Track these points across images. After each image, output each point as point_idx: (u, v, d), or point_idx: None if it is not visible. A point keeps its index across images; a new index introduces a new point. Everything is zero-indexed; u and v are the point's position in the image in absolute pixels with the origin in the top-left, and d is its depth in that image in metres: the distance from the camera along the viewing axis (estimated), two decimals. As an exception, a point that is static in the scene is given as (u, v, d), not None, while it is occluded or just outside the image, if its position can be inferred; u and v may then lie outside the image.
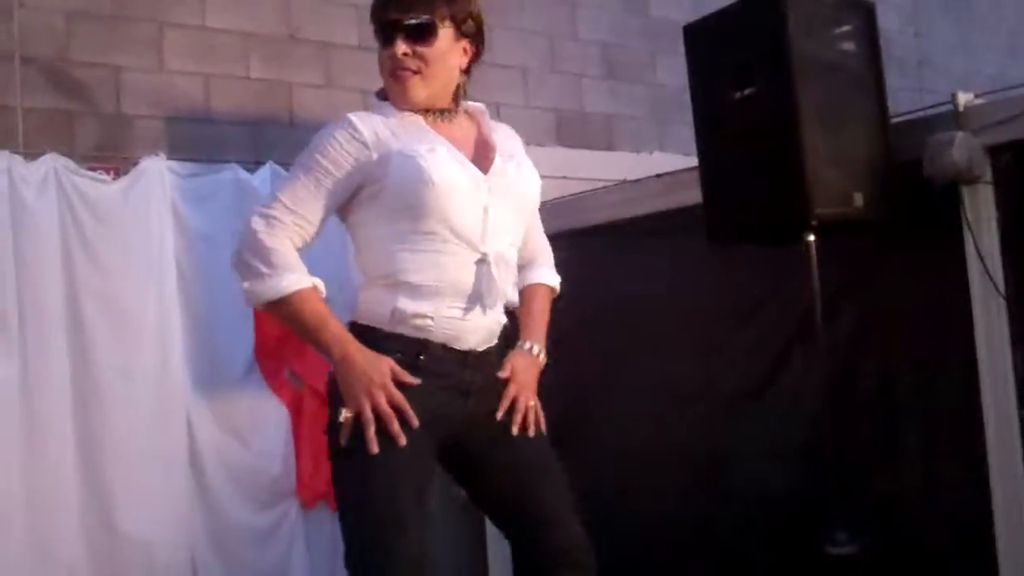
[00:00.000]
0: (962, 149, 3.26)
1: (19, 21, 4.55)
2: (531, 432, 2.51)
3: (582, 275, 3.29)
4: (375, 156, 2.31)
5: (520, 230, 2.54)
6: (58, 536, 4.34)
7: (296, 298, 2.29)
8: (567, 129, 6.20)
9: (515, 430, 2.47)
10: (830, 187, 3.27)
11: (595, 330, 4.37)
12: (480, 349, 2.44)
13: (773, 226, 3.45)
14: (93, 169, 4.60)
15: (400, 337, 2.33)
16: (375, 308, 2.36)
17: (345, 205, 2.39)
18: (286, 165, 5.02)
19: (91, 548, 4.42)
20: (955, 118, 3.32)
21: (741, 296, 3.96)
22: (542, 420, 2.55)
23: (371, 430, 2.25)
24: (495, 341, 2.50)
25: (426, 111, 2.44)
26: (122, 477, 4.50)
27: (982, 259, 3.30)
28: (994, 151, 3.29)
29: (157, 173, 4.75)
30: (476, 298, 2.35)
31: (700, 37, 3.52)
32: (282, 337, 4.91)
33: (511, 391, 2.49)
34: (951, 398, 3.41)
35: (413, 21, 2.38)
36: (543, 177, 2.63)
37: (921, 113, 3.47)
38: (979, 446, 3.29)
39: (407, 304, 2.31)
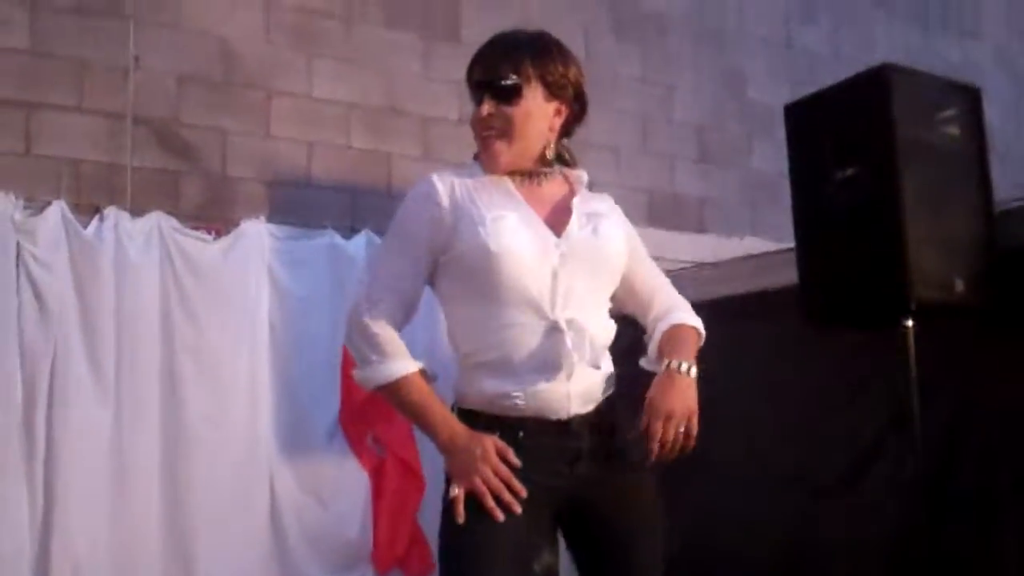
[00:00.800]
0: (1069, 237, 3.19)
1: (134, 82, 4.73)
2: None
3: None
4: (449, 220, 2.27)
5: (601, 295, 2.41)
6: (139, 581, 4.40)
7: (402, 383, 2.26)
8: (658, 210, 6.22)
9: (651, 458, 2.29)
10: (930, 271, 3.21)
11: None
12: (582, 412, 2.31)
13: (870, 309, 3.40)
14: (196, 228, 4.74)
15: (496, 418, 2.27)
16: (467, 390, 2.32)
17: (432, 273, 2.33)
18: (382, 233, 5.11)
19: (171, 600, 4.47)
20: (1062, 204, 3.26)
21: (835, 381, 3.89)
22: (691, 440, 2.31)
23: (488, 500, 2.19)
24: (600, 396, 2.36)
25: (511, 173, 2.39)
26: (204, 528, 4.56)
27: (1087, 350, 3.21)
28: (1103, 240, 3.22)
29: (256, 235, 4.87)
30: (555, 367, 2.25)
31: (802, 116, 3.52)
32: (367, 403, 4.94)
33: (642, 423, 2.30)
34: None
35: (498, 82, 2.34)
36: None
37: (1026, 200, 3.40)
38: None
39: (491, 384, 2.26)
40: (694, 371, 2.35)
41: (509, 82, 2.34)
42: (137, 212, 4.59)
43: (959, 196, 3.33)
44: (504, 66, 2.36)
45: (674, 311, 2.52)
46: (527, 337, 2.25)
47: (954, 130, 3.36)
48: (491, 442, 2.22)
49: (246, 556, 4.68)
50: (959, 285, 3.25)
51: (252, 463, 4.74)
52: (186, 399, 4.60)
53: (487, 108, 2.35)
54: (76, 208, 4.48)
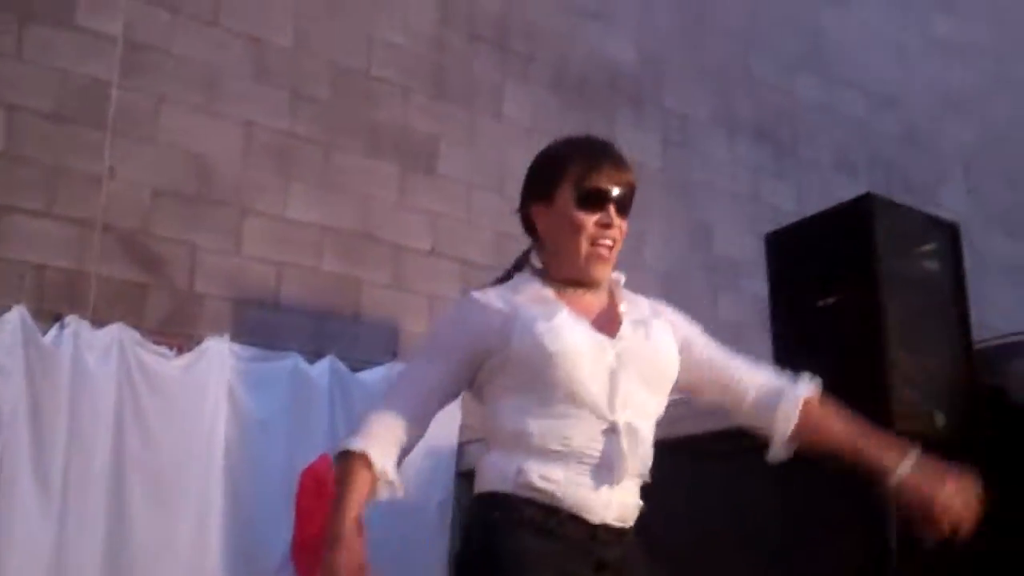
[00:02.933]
0: (1050, 377, 3.18)
1: (107, 191, 4.69)
2: None
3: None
4: (497, 323, 2.20)
5: (654, 406, 2.28)
6: None
7: (349, 458, 2.13)
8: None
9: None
10: (911, 405, 3.18)
11: (657, 545, 4.18)
12: (615, 525, 2.20)
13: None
14: (158, 343, 4.63)
15: (527, 500, 2.15)
16: (500, 469, 2.18)
17: (474, 376, 2.26)
18: (347, 359, 5.05)
19: None
20: (1042, 345, 3.25)
21: (814, 520, 3.79)
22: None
23: None
24: (630, 523, 2.24)
25: (567, 282, 2.28)
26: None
27: (1069, 491, 3.16)
28: (1084, 381, 3.21)
29: (219, 354, 4.77)
30: (606, 469, 2.15)
31: (783, 244, 3.53)
32: (322, 534, 4.76)
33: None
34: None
35: (630, 195, 2.25)
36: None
37: (1006, 338, 3.40)
38: None
39: (533, 465, 2.14)
40: (918, 455, 2.29)
41: (632, 192, 2.26)
42: (99, 322, 4.49)
43: (939, 330, 3.33)
44: (631, 178, 2.27)
45: (777, 382, 2.36)
46: (583, 434, 2.16)
47: (934, 264, 3.38)
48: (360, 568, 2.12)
49: None
50: (940, 419, 3.21)
51: (199, 592, 4.52)
52: (133, 520, 4.43)
53: (616, 218, 2.23)
54: (37, 314, 4.38)
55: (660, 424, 4.16)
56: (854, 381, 3.21)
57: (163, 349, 4.64)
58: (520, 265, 2.38)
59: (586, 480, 2.15)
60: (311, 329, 5.16)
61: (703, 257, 6.73)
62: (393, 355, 5.29)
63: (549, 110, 6.22)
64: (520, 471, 2.14)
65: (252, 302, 5.04)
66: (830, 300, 3.31)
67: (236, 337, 4.84)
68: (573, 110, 6.31)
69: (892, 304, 3.21)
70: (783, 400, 2.34)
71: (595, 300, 2.31)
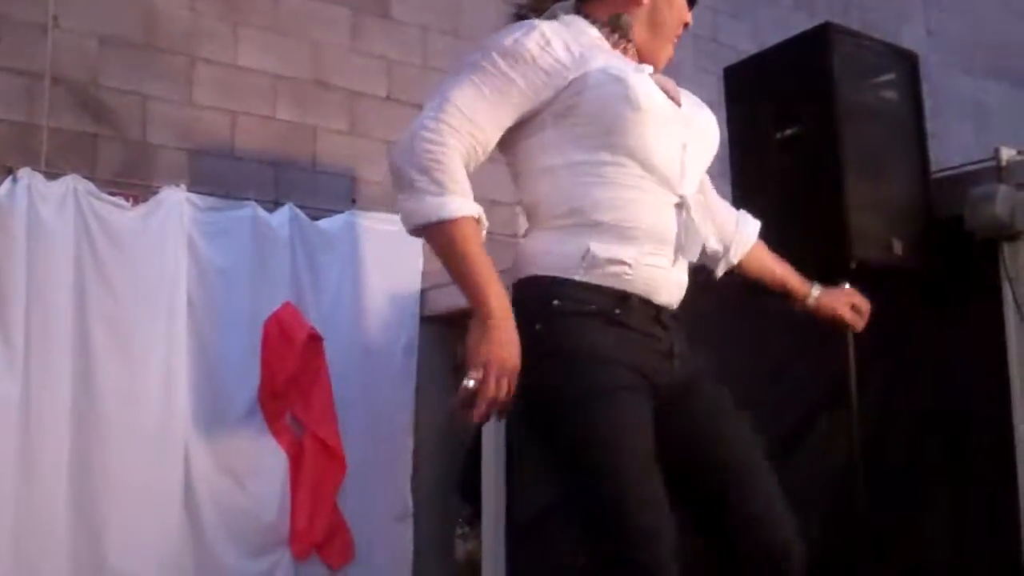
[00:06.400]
0: (1004, 203, 3.20)
1: (52, 41, 4.56)
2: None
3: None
4: (570, 75, 1.99)
5: (701, 179, 2.25)
6: (45, 565, 4.19)
7: (458, 227, 1.89)
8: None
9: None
10: (870, 233, 3.20)
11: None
12: (672, 307, 2.12)
13: (809, 271, 3.37)
14: (113, 194, 4.57)
15: (595, 288, 1.98)
16: (562, 250, 1.99)
17: (516, 127, 2.04)
18: (305, 207, 5.02)
19: (78, 579, 4.25)
20: (997, 172, 3.27)
21: (772, 347, 3.86)
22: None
23: (480, 407, 1.85)
24: (679, 301, 2.16)
25: (620, 38, 2.19)
26: (115, 509, 4.38)
27: (1021, 316, 3.22)
28: (1037, 208, 3.24)
29: (176, 204, 4.71)
30: (677, 247, 2.06)
31: (741, 77, 3.49)
32: (289, 380, 4.82)
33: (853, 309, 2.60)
34: (985, 458, 3.29)
35: None
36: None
37: (963, 167, 3.42)
38: (1012, 508, 3.17)
39: (602, 248, 1.98)
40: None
41: None
42: (52, 175, 4.41)
43: (897, 160, 3.34)
44: None
45: (733, 213, 2.51)
46: (655, 207, 2.04)
47: (892, 94, 3.37)
48: (518, 361, 1.88)
49: (159, 539, 4.50)
50: (897, 247, 3.24)
51: (166, 441, 4.57)
52: (99, 373, 4.42)
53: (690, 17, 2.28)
54: (-11, 168, 4.29)
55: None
56: (813, 210, 3.25)
57: (119, 200, 4.58)
58: (545, 2, 2.25)
59: (657, 260, 2.04)
60: (268, 178, 5.10)
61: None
62: (352, 202, 5.26)
63: (502, -48, 6.06)
64: (588, 254, 1.98)
65: (207, 152, 4.96)
66: (788, 132, 3.29)
67: (192, 187, 4.78)
68: (529, -49, 6.14)
69: (850, 134, 3.20)
70: (743, 225, 2.50)
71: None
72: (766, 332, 3.85)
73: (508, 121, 2.01)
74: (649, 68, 2.09)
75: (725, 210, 2.51)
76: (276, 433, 4.86)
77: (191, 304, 4.71)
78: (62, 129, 4.58)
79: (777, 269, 2.58)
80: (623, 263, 1.99)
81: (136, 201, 4.61)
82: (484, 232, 1.96)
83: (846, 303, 2.62)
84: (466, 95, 1.98)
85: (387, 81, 5.44)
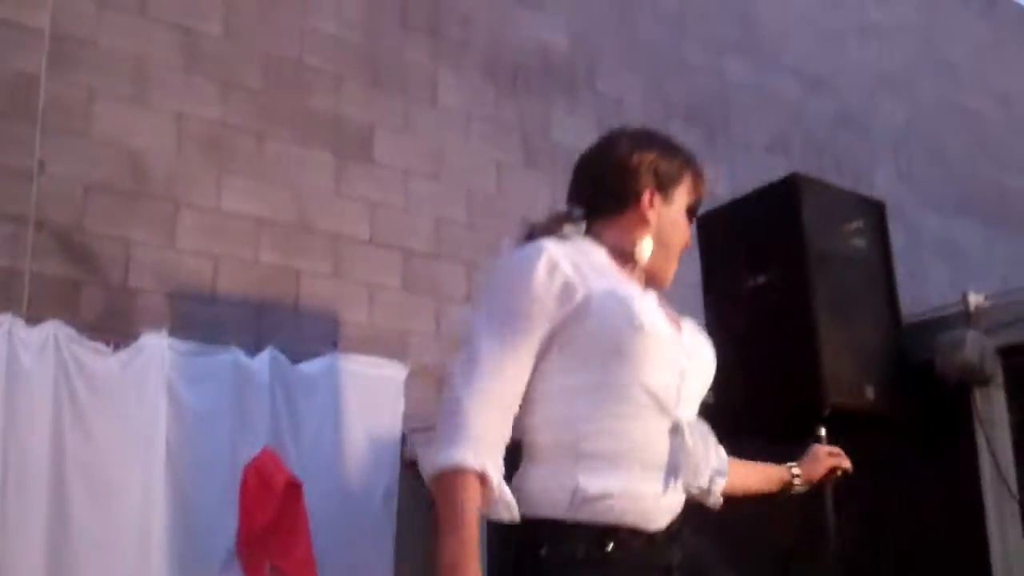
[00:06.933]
0: (974, 349, 3.27)
1: (38, 186, 4.63)
2: None
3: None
4: (579, 296, 1.99)
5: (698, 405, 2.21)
6: None
7: (461, 475, 1.89)
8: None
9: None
10: (843, 378, 3.26)
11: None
12: (665, 525, 2.06)
13: (784, 418, 3.40)
14: (94, 339, 4.58)
15: (583, 527, 1.95)
16: (553, 494, 1.97)
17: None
18: (287, 350, 5.03)
19: None
20: (966, 318, 3.33)
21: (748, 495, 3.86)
22: None
23: None
24: (677, 516, 2.09)
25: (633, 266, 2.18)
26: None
27: (997, 464, 3.25)
28: (1005, 353, 3.29)
29: (157, 349, 4.73)
30: (671, 472, 2.01)
31: (714, 225, 3.57)
32: (268, 528, 4.76)
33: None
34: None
35: None
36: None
37: (933, 313, 3.48)
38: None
39: (590, 481, 1.95)
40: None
41: None
42: (33, 320, 4.43)
43: (867, 306, 3.41)
44: None
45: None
46: (647, 431, 2.02)
47: (861, 242, 3.45)
48: None
49: None
50: (870, 392, 3.28)
51: (143, 589, 4.49)
52: (74, 518, 4.38)
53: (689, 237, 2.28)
54: (-31, 313, 4.31)
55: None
56: (786, 357, 3.29)
57: (99, 345, 4.59)
58: (556, 223, 2.19)
59: (649, 486, 2.01)
60: (250, 322, 5.13)
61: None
62: (334, 345, 5.28)
63: (484, 96, 6.23)
64: (576, 490, 1.95)
65: (189, 296, 5.00)
66: (761, 279, 3.36)
67: (174, 332, 4.79)
68: (508, 96, 6.33)
69: (821, 281, 3.28)
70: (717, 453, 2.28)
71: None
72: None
73: (533, 354, 2.01)
74: (653, 294, 2.10)
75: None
76: (254, 583, 4.78)
77: (169, 450, 4.68)
78: (45, 274, 4.62)
79: (752, 476, 2.47)
80: (611, 496, 1.96)
81: (117, 346, 4.62)
82: (499, 495, 1.94)
83: (825, 463, 2.59)
84: (492, 350, 1.98)
85: (369, 224, 5.53)
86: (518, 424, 2.03)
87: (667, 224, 2.19)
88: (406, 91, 5.97)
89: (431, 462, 1.91)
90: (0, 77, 4.73)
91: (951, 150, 8.75)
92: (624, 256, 2.16)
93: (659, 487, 2.00)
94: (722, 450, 2.26)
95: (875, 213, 3.51)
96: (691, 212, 2.24)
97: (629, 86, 7.00)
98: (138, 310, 4.85)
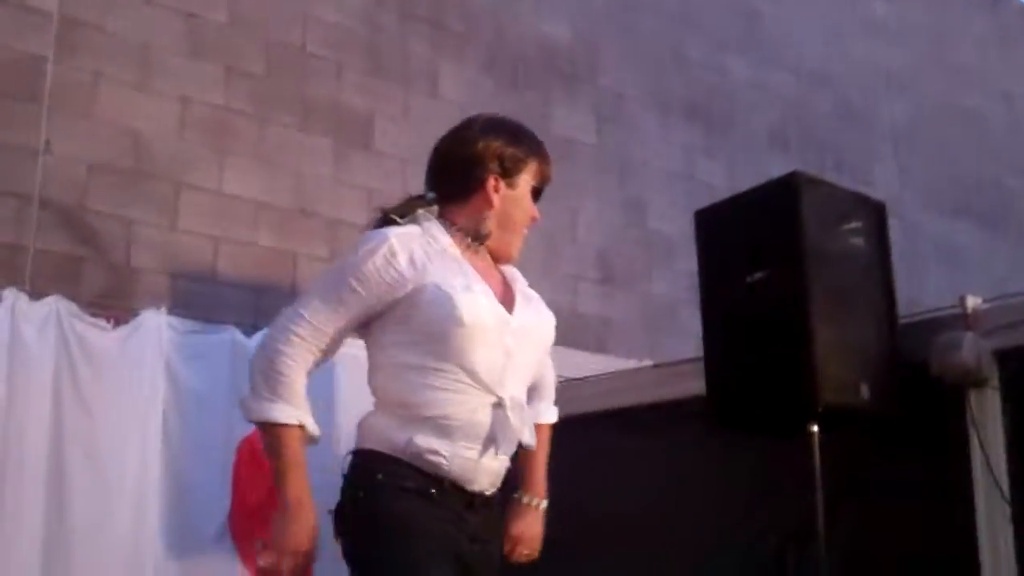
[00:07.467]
0: (970, 351, 3.29)
1: (43, 165, 4.65)
2: None
3: (572, 461, 3.12)
4: (410, 286, 2.27)
5: (534, 371, 2.51)
6: None
7: (280, 432, 2.24)
8: (560, 328, 6.25)
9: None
10: (837, 377, 3.26)
11: (589, 517, 4.26)
12: (487, 493, 2.37)
13: (777, 414, 3.43)
14: (95, 316, 4.61)
15: (416, 469, 2.26)
16: (389, 435, 2.27)
17: (369, 323, 2.33)
18: (284, 332, 5.05)
19: None
20: (964, 320, 3.36)
21: (741, 489, 3.90)
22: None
23: None
24: (499, 485, 2.42)
25: (475, 240, 2.42)
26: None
27: (989, 465, 3.27)
28: (1002, 356, 3.31)
29: (156, 327, 4.75)
30: (490, 441, 2.29)
31: (712, 221, 3.60)
32: (260, 505, 4.80)
33: (518, 554, 2.56)
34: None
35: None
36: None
37: (930, 314, 3.51)
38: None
39: (422, 439, 2.25)
40: (544, 506, 2.62)
41: None
42: (36, 295, 4.46)
43: (864, 305, 3.42)
44: None
45: (539, 392, 2.63)
46: (471, 406, 2.27)
47: (859, 241, 3.46)
48: (314, 540, 2.23)
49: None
50: (865, 392, 3.30)
51: (136, 562, 4.52)
52: (71, 490, 4.41)
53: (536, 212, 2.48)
54: (-27, 287, 4.34)
55: (591, 396, 4.20)
56: (781, 355, 3.32)
57: (100, 322, 4.62)
58: (409, 207, 2.42)
59: (471, 453, 2.28)
60: (248, 303, 5.16)
61: (637, 234, 6.81)
62: (330, 328, 5.31)
63: (484, 88, 6.27)
64: (410, 442, 2.24)
65: (188, 276, 5.04)
66: (758, 276, 3.38)
67: (173, 310, 4.82)
68: (508, 89, 6.36)
69: (817, 279, 3.29)
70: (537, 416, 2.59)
71: (490, 266, 2.45)
72: (736, 474, 3.89)
73: (355, 324, 2.31)
74: (481, 284, 2.31)
75: (542, 386, 2.66)
76: (245, 558, 4.82)
77: (166, 426, 4.71)
78: (48, 251, 4.65)
79: (529, 471, 2.63)
80: (439, 454, 2.25)
81: (117, 323, 4.65)
82: (313, 434, 2.27)
83: (521, 531, 2.59)
84: (318, 309, 2.28)
85: (367, 210, 5.54)
86: (370, 378, 2.36)
87: (509, 207, 2.43)
88: (406, 81, 6.01)
89: (254, 409, 2.24)
90: (9, 58, 4.76)
91: (952, 149, 8.79)
92: (472, 237, 2.41)
93: (478, 454, 2.28)
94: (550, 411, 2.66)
95: (875, 213, 3.52)
96: (538, 193, 2.47)
97: (630, 80, 7.03)
98: (139, 288, 4.89)
